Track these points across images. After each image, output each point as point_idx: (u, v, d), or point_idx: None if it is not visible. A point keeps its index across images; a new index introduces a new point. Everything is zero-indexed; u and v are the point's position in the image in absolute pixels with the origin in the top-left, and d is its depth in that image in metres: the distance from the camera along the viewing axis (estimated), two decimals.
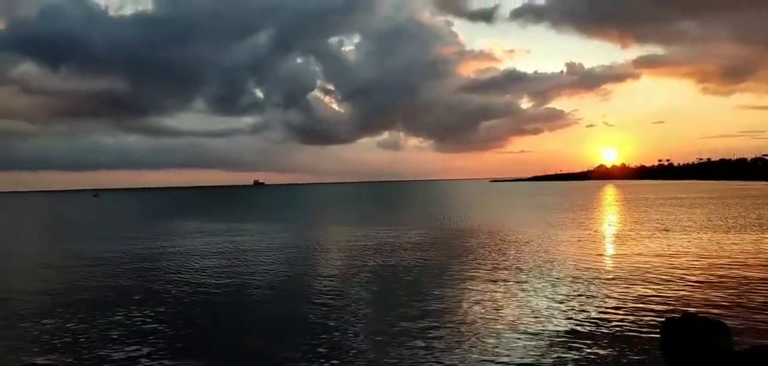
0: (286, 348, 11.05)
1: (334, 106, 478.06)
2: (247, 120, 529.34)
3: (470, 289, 16.04)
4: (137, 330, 12.66)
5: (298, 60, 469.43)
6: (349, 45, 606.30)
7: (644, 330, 11.44)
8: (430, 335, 11.49)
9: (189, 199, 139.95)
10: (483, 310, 13.37)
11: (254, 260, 23.77)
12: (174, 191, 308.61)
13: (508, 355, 10.14)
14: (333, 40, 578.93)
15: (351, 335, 11.79)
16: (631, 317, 12.47)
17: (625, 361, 9.77)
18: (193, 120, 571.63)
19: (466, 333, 11.55)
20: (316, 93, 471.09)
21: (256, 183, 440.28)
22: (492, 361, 9.88)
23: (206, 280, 19.16)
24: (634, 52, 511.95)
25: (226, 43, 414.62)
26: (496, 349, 10.49)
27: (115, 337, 12.09)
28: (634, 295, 14.75)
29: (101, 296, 16.66)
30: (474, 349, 10.57)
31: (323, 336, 11.75)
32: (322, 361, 10.25)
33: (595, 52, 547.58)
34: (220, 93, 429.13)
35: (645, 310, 13.13)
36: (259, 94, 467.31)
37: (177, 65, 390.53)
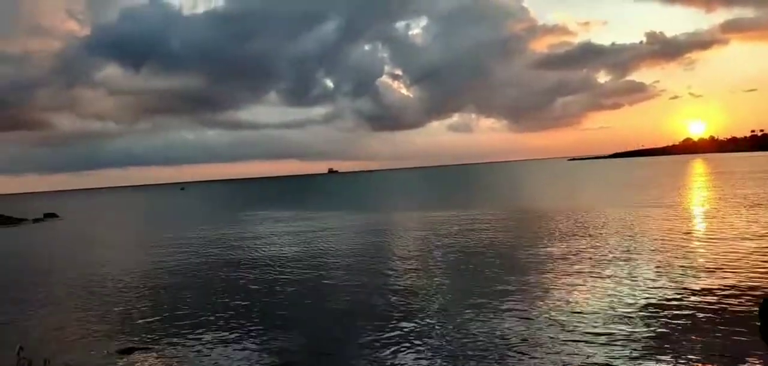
0: (361, 331, 11.79)
1: (403, 90, 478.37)
2: (319, 110, 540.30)
3: (555, 273, 16.33)
4: (225, 311, 14.05)
5: (366, 47, 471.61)
6: (416, 28, 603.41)
7: (740, 311, 11.41)
8: (515, 319, 11.94)
9: (268, 188, 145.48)
10: (570, 295, 13.70)
11: (331, 246, 25.14)
12: (254, 182, 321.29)
13: (598, 341, 10.37)
14: (399, 24, 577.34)
15: (426, 321, 12.35)
16: (725, 297, 12.42)
17: (721, 342, 9.80)
18: (267, 113, 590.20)
19: (555, 316, 11.92)
20: (385, 79, 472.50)
21: (330, 171, 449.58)
22: (583, 342, 10.18)
23: (287, 263, 20.60)
24: (721, 16, 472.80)
25: (295, 35, 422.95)
26: (585, 334, 10.75)
27: (209, 316, 13.47)
28: (727, 274, 14.57)
29: (206, 277, 18.46)
30: (562, 332, 10.91)
31: (396, 321, 12.39)
32: (397, 345, 10.88)
33: (678, 19, 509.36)
34: (292, 85, 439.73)
35: (740, 289, 13.01)
36: (329, 83, 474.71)
37: (249, 60, 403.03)
